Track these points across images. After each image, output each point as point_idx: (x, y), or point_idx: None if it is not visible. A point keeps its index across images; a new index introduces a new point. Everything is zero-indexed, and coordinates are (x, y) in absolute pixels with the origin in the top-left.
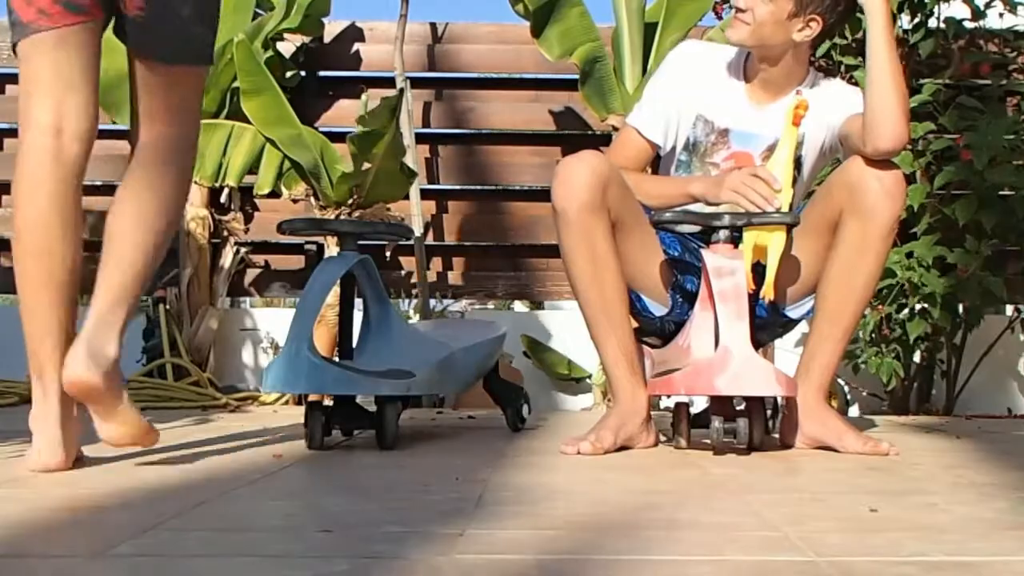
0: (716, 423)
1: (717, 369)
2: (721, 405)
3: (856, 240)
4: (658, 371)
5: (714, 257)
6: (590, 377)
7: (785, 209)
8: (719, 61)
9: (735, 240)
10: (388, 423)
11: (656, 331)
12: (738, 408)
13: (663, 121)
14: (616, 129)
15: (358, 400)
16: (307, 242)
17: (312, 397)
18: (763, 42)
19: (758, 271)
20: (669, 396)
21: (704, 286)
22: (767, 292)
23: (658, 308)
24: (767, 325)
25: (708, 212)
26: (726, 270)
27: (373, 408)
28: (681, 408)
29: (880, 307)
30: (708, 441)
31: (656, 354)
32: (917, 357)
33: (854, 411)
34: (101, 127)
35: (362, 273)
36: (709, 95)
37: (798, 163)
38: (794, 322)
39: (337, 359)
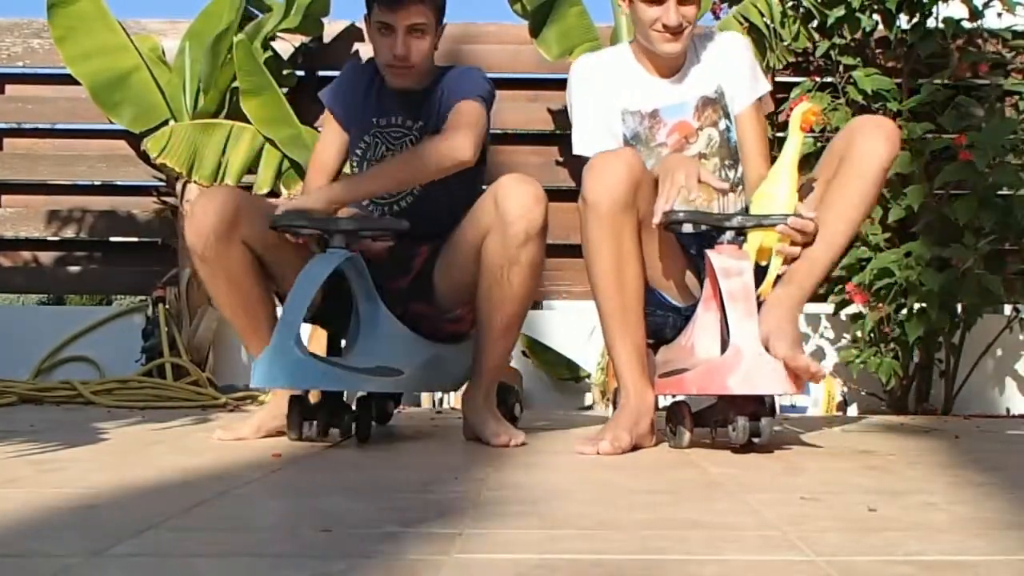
0: (741, 421)
1: (729, 368)
2: (732, 404)
3: (851, 171)
4: (663, 371)
5: (720, 258)
6: (589, 377)
7: (789, 211)
8: (613, 59)
9: (739, 241)
10: (364, 417)
11: (655, 331)
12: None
13: (608, 132)
14: None
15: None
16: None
17: (295, 392)
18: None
19: (760, 270)
20: (674, 396)
21: (708, 286)
22: (764, 292)
23: (676, 301)
24: None
25: (718, 213)
26: (734, 270)
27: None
28: (683, 407)
29: (880, 306)
30: (707, 441)
31: (658, 354)
32: (916, 357)
33: (853, 411)
34: (101, 127)
35: (351, 270)
36: (622, 91)
37: (726, 113)
38: None
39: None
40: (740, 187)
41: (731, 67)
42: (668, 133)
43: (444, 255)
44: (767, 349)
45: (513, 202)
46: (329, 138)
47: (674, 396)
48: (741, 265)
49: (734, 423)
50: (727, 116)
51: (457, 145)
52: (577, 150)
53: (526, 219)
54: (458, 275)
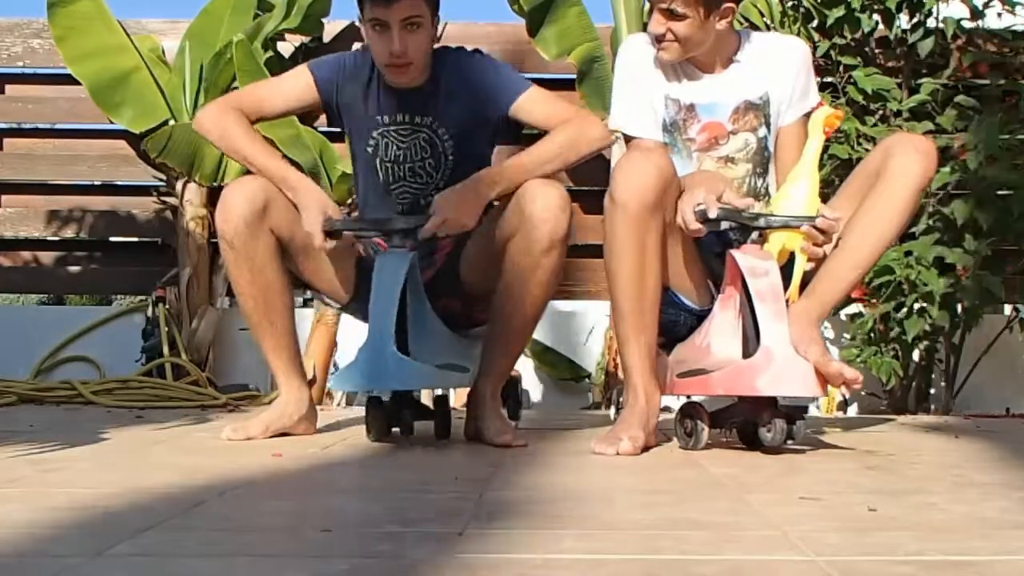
0: (780, 423)
1: (759, 370)
2: (757, 406)
3: (884, 188)
4: (679, 371)
5: (746, 257)
6: (589, 377)
7: (811, 212)
8: None
9: (759, 242)
10: (448, 416)
11: (667, 329)
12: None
13: (651, 113)
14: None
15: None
16: None
17: (374, 393)
18: (695, 49)
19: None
20: (690, 396)
21: (726, 286)
22: (793, 295)
23: (694, 304)
24: None
25: (746, 213)
26: (760, 270)
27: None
28: (700, 408)
29: (875, 302)
30: (721, 440)
31: (671, 353)
32: (916, 356)
33: (853, 411)
34: (101, 127)
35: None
36: (668, 77)
37: (767, 122)
38: None
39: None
40: (766, 197)
41: (783, 77)
42: (699, 131)
43: (470, 250)
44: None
45: (539, 206)
46: (292, 91)
47: (688, 396)
48: (767, 265)
49: (770, 425)
50: (768, 125)
51: (603, 132)
52: (611, 124)
53: (551, 224)
54: (487, 269)
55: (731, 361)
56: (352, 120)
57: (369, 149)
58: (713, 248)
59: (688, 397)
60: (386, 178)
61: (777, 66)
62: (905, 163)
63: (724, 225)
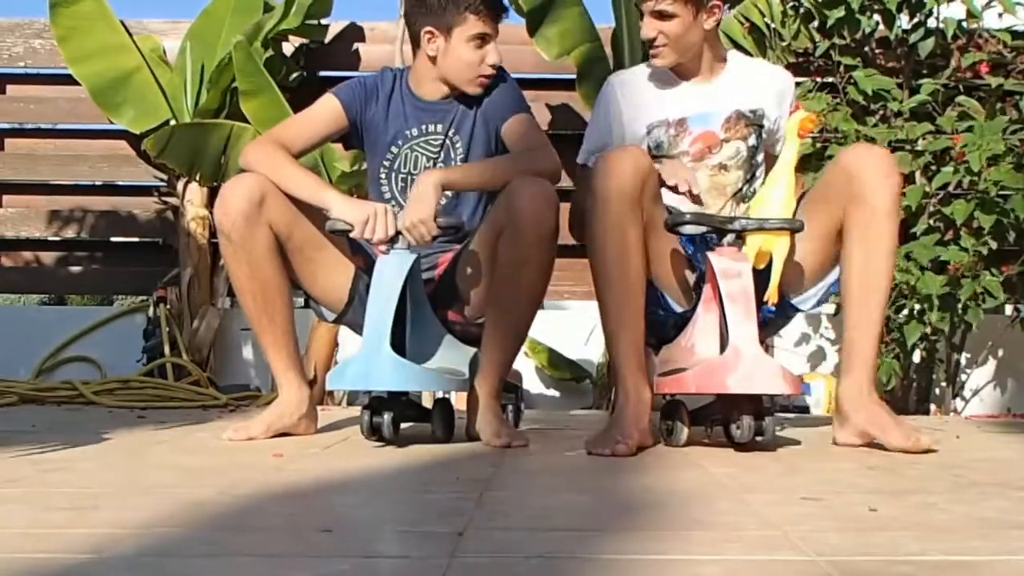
0: (747, 420)
1: (728, 368)
2: (730, 403)
3: (864, 226)
4: (662, 370)
5: (720, 259)
6: (590, 377)
7: (788, 215)
8: (648, 74)
9: (738, 244)
10: (450, 417)
11: (656, 330)
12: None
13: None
14: None
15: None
16: None
17: (375, 393)
18: (687, 52)
19: (759, 274)
20: (674, 396)
21: (708, 287)
22: (771, 296)
23: (678, 305)
24: (776, 320)
25: (719, 216)
26: (733, 272)
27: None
28: (680, 406)
29: None
30: (705, 440)
31: (659, 354)
32: (916, 357)
33: None
34: (102, 127)
35: (410, 272)
36: (652, 103)
37: (759, 133)
38: (798, 311)
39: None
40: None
41: (779, 102)
42: (692, 142)
43: (465, 259)
44: (876, 440)
45: (525, 203)
46: (323, 118)
47: (672, 395)
48: (740, 267)
49: (739, 422)
50: (759, 136)
51: (555, 166)
52: (579, 159)
53: (537, 220)
54: (481, 278)
55: (706, 360)
56: (375, 135)
57: (387, 161)
58: (688, 248)
59: (672, 396)
60: (403, 188)
61: (773, 90)
62: (879, 195)
63: (690, 229)
